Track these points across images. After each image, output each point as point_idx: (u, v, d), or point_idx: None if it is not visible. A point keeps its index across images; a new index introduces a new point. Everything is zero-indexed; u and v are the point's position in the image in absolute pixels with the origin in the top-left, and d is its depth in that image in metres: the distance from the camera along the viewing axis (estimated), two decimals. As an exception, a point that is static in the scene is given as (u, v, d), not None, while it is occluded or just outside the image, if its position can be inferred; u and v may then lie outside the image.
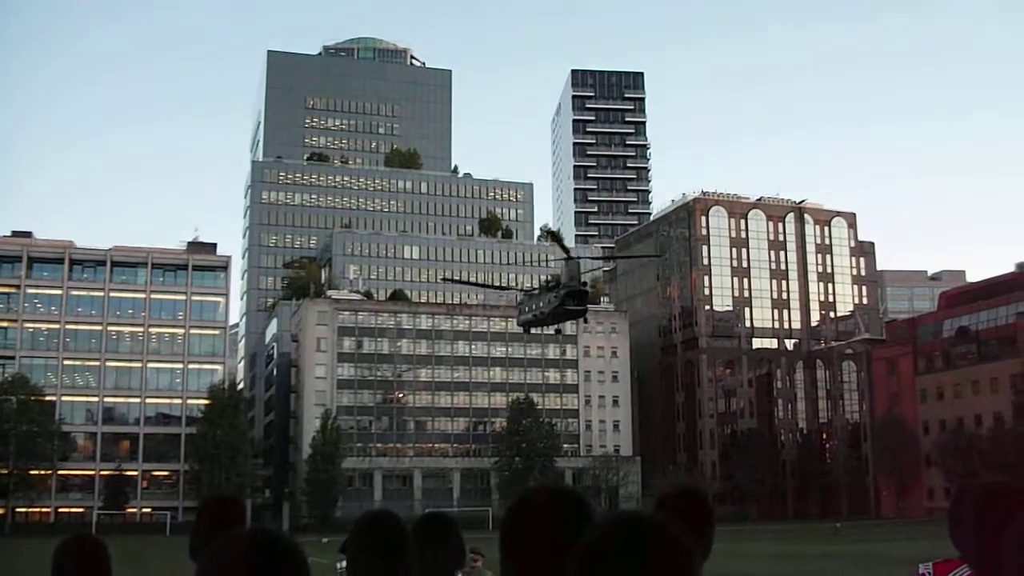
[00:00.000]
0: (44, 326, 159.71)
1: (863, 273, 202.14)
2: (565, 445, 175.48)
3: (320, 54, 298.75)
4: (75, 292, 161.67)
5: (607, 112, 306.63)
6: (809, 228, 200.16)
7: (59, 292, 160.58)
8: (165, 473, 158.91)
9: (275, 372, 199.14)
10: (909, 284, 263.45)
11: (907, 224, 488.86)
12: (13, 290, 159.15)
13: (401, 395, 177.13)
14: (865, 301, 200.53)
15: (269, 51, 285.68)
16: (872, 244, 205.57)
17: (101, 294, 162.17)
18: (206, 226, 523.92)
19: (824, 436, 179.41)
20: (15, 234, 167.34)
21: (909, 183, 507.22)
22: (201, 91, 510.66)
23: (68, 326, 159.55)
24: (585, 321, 44.96)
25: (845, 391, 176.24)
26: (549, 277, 47.79)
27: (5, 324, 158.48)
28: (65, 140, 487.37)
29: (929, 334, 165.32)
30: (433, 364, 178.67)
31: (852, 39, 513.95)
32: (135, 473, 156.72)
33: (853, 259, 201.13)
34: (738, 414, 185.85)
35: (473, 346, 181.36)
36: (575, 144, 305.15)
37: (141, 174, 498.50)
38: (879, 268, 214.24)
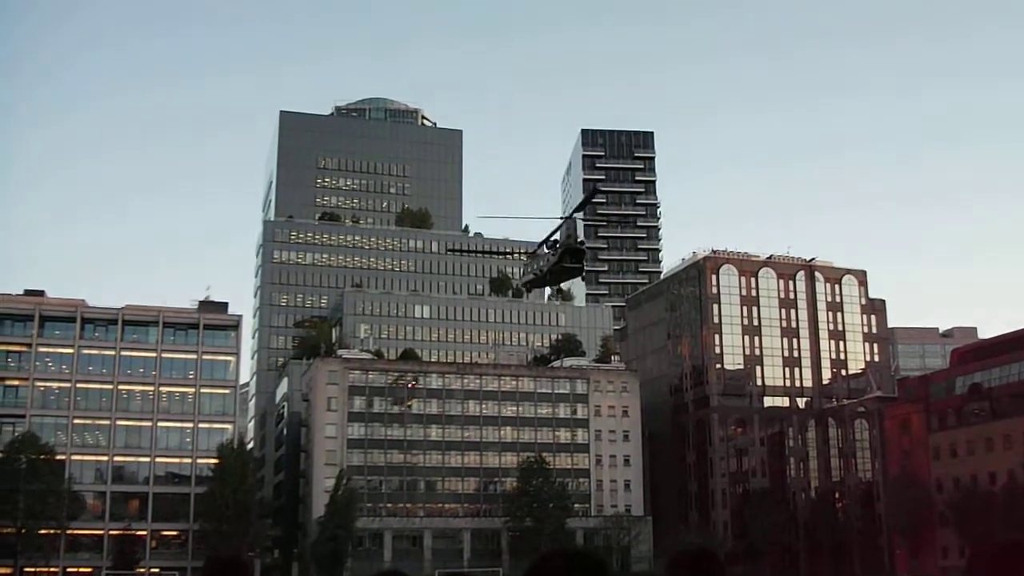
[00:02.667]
0: (55, 385, 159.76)
1: (874, 331, 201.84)
2: (576, 505, 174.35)
3: (332, 114, 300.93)
4: (86, 351, 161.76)
5: (617, 171, 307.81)
6: (820, 286, 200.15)
7: (70, 351, 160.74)
8: (174, 533, 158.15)
9: (285, 432, 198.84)
10: (921, 341, 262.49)
11: (918, 281, 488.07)
12: (25, 349, 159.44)
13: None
14: (877, 359, 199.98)
15: (281, 111, 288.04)
16: (883, 302, 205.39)
17: (112, 353, 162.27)
18: (218, 285, 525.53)
19: (837, 495, 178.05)
20: (27, 293, 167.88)
21: (919, 240, 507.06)
22: (214, 151, 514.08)
23: (79, 385, 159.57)
24: (583, 278, 44.20)
25: (858, 449, 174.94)
26: (549, 238, 47.77)
27: (16, 383, 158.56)
28: (78, 199, 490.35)
29: (942, 391, 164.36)
30: (444, 423, 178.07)
31: (858, 100, 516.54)
32: (144, 533, 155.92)
33: (864, 317, 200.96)
34: (750, 473, 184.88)
35: (484, 405, 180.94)
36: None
37: (153, 233, 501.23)
38: (890, 325, 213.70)
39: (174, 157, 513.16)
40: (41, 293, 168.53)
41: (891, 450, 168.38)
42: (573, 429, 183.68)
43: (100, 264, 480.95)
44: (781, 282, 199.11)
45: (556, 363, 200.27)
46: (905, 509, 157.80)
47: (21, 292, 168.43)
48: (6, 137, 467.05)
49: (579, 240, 46.76)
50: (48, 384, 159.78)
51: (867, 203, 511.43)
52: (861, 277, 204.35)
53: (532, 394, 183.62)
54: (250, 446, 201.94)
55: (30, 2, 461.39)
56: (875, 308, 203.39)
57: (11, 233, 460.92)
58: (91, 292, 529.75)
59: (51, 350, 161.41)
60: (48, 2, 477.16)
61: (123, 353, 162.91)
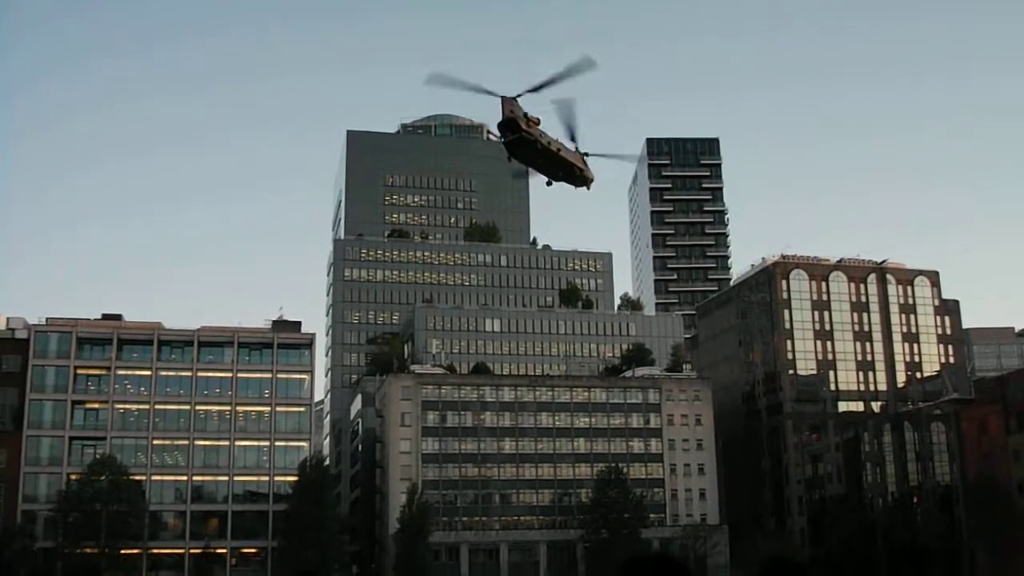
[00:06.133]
0: (134, 407, 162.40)
1: (948, 332, 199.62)
2: (651, 515, 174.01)
3: (398, 132, 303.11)
4: (164, 372, 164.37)
5: (683, 179, 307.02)
6: (892, 288, 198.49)
7: (148, 373, 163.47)
8: (254, 550, 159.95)
9: (360, 448, 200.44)
10: (996, 341, 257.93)
11: (992, 280, 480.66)
12: (104, 372, 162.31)
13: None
14: (952, 360, 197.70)
15: (349, 131, 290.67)
16: (956, 302, 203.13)
17: (189, 374, 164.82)
18: (290, 304, 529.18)
19: (915, 499, 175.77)
20: (106, 317, 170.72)
21: (992, 238, 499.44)
22: (283, 171, 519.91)
23: (157, 406, 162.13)
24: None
25: (935, 453, 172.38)
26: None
27: (96, 406, 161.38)
28: (154, 225, 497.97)
29: (1019, 391, 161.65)
30: (517, 436, 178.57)
31: (929, 95, 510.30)
32: (224, 551, 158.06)
33: (938, 318, 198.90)
34: (826, 479, 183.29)
35: (556, 417, 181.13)
36: (652, 212, 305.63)
37: (226, 255, 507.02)
38: (965, 326, 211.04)
39: (245, 179, 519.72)
40: (119, 317, 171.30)
41: (969, 453, 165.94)
42: (646, 439, 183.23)
43: (175, 287, 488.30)
44: (852, 285, 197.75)
45: (628, 373, 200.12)
46: (986, 513, 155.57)
47: (99, 316, 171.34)
48: (90, 169, 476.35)
49: (506, 119, 47.63)
50: (127, 406, 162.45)
51: (938, 203, 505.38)
52: (933, 278, 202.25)
53: (604, 405, 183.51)
54: (326, 463, 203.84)
55: (94, 34, 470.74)
56: (949, 309, 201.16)
57: (90, 259, 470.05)
58: (167, 315, 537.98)
59: (129, 373, 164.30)
60: (116, 33, 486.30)
61: (199, 374, 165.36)
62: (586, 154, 53.59)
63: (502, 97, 47.71)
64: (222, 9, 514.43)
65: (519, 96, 48.06)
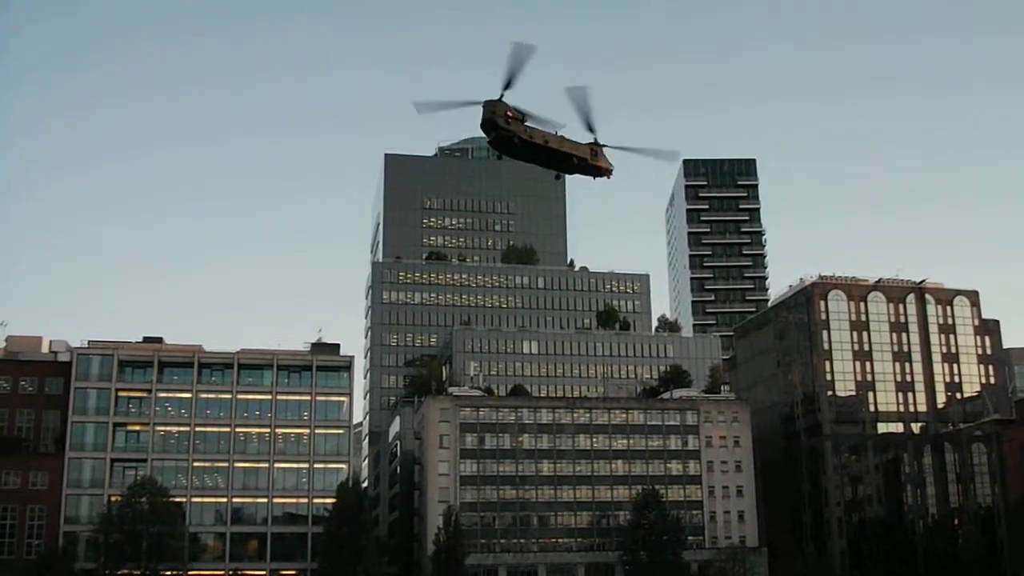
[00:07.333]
0: (174, 429, 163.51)
1: (989, 352, 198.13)
2: (690, 537, 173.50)
3: (435, 155, 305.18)
4: (204, 395, 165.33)
5: (720, 200, 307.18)
6: (931, 308, 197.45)
7: (189, 395, 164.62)
8: (292, 572, 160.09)
9: (399, 470, 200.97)
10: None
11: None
12: (145, 394, 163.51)
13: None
14: (992, 380, 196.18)
15: (386, 154, 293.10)
16: (996, 322, 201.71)
17: (229, 396, 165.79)
18: (329, 327, 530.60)
19: (956, 521, 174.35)
20: (147, 340, 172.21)
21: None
22: (322, 196, 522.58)
23: (197, 428, 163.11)
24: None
25: (976, 474, 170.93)
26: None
27: (137, 428, 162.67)
28: (192, 249, 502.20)
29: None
30: (555, 458, 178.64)
31: (965, 111, 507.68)
32: (263, 572, 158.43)
33: (978, 338, 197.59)
34: (865, 501, 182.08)
35: (594, 439, 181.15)
36: (690, 233, 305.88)
37: (265, 278, 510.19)
38: (1005, 346, 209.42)
39: (283, 204, 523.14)
40: (159, 340, 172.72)
41: (1011, 474, 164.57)
42: (685, 461, 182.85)
43: (215, 310, 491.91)
44: (891, 306, 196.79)
45: (665, 395, 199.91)
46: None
47: (140, 339, 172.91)
48: (127, 190, 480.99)
49: (484, 119, 48.53)
50: (168, 428, 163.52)
51: (978, 219, 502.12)
52: (973, 298, 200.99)
53: (642, 427, 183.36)
54: (365, 485, 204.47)
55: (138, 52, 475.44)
56: (988, 329, 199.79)
57: (130, 283, 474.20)
58: (207, 337, 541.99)
59: (170, 395, 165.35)
60: (152, 59, 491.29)
61: (239, 396, 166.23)
62: (600, 145, 53.78)
63: (484, 100, 48.55)
64: (242, 10, 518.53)
65: (501, 97, 48.69)
